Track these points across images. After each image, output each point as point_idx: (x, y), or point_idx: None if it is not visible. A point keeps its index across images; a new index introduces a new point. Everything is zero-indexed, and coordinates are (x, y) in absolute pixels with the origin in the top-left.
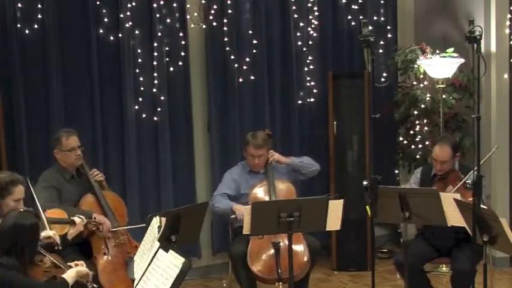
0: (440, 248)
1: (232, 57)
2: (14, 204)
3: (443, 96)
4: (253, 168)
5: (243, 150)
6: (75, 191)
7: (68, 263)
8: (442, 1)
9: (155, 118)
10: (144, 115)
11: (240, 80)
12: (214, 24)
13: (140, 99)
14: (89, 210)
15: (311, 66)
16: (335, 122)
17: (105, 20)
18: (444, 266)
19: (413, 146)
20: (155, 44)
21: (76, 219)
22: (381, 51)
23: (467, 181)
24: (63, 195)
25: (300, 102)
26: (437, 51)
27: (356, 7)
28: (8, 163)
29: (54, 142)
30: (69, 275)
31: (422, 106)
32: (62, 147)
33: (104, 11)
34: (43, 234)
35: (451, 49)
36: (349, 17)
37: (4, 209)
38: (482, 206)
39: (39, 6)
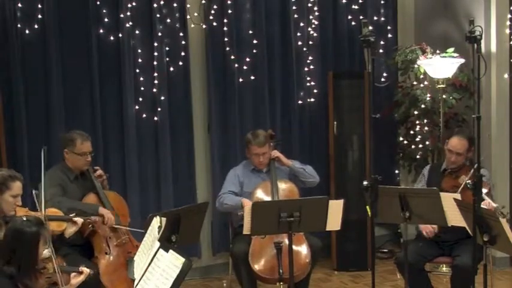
0: (443, 245)
1: (232, 57)
2: (12, 200)
3: (444, 96)
4: (258, 166)
5: (246, 151)
6: (78, 191)
7: (72, 270)
8: (442, 1)
9: (155, 118)
10: (144, 115)
11: (240, 80)
12: (214, 24)
13: (140, 99)
14: (94, 204)
15: (311, 66)
16: (335, 122)
17: (105, 20)
18: (444, 266)
19: (413, 146)
20: (155, 44)
21: (76, 218)
22: (381, 51)
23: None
24: (67, 195)
25: (300, 102)
26: (438, 51)
27: (356, 7)
28: (8, 163)
29: (65, 142)
30: None
31: (423, 106)
32: (75, 149)
33: (104, 11)
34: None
35: (451, 49)
36: (349, 17)
37: (3, 205)
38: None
39: (39, 6)
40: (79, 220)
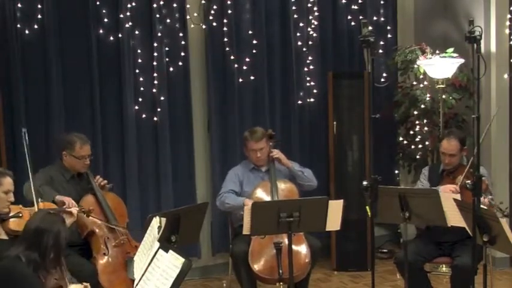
0: (442, 245)
1: (232, 57)
2: (4, 196)
3: (443, 96)
4: (257, 163)
5: (244, 149)
6: (74, 191)
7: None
8: (442, 1)
9: (155, 118)
10: (144, 115)
11: (240, 80)
12: (214, 24)
13: (140, 99)
14: (53, 191)
15: (311, 66)
16: (335, 122)
17: (105, 20)
18: (444, 266)
19: (413, 146)
20: (155, 44)
21: (71, 209)
22: (380, 51)
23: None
24: (62, 195)
25: (300, 102)
26: (437, 51)
27: (356, 7)
28: (8, 163)
29: (64, 144)
30: None
31: (422, 106)
32: (74, 152)
33: (104, 11)
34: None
35: (451, 49)
36: (349, 17)
37: None
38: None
39: (39, 6)
40: (74, 210)
